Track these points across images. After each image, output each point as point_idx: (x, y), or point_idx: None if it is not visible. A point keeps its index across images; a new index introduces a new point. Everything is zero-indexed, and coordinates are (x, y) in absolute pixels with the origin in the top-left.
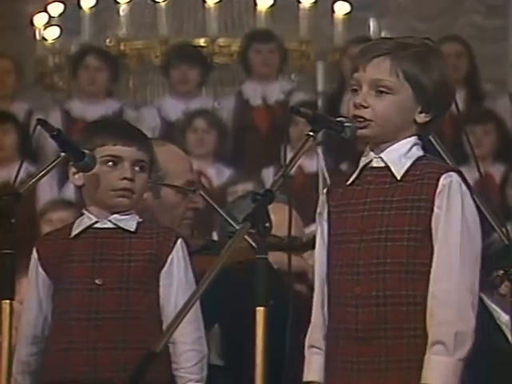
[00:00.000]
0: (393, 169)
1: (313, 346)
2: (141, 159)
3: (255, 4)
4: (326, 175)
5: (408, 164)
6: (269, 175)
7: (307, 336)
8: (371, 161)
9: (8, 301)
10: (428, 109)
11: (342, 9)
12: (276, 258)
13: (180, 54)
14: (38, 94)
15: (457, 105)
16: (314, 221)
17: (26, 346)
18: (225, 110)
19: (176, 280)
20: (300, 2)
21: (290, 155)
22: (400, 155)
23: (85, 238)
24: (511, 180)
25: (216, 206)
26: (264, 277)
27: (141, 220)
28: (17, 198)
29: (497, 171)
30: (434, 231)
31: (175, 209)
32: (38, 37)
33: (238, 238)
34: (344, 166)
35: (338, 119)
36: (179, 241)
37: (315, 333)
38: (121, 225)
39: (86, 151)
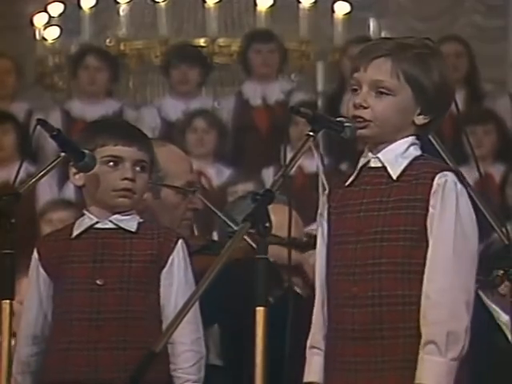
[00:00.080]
0: (389, 169)
1: (313, 347)
2: (141, 159)
3: (255, 4)
4: (324, 180)
5: (404, 164)
6: (269, 175)
7: (309, 337)
8: (369, 161)
9: (8, 301)
10: (427, 110)
11: (341, 9)
12: (272, 251)
13: (180, 54)
14: (38, 94)
15: (457, 105)
16: (314, 221)
17: (26, 347)
18: (225, 110)
19: (176, 280)
20: (300, 2)
21: (289, 155)
22: (397, 155)
23: (86, 238)
24: (511, 180)
25: (214, 209)
26: (264, 277)
27: (141, 220)
28: (17, 197)
29: (497, 171)
30: (429, 231)
31: (175, 209)
32: (37, 37)
33: (237, 238)
34: (344, 166)
35: (338, 119)
36: (180, 241)
37: (316, 334)
38: (122, 225)
39: (86, 151)
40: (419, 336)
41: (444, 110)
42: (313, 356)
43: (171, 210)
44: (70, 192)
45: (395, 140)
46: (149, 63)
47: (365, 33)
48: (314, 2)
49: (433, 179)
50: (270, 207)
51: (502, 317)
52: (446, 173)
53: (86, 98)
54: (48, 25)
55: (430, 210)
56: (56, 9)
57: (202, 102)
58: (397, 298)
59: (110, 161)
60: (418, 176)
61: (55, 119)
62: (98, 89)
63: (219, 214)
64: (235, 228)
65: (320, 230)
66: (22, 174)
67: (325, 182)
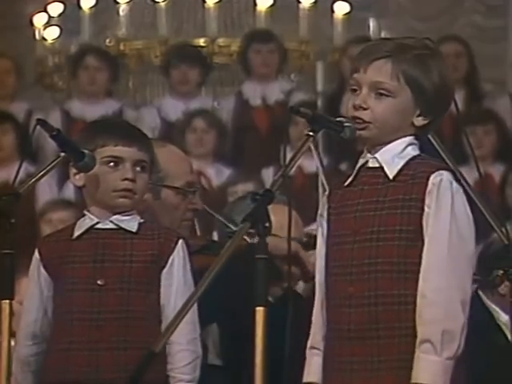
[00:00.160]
0: (386, 169)
1: (313, 348)
2: (142, 159)
3: (255, 4)
4: (324, 181)
5: (401, 164)
6: (268, 175)
7: (309, 337)
8: (367, 161)
9: (8, 301)
10: (427, 112)
11: (341, 9)
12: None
13: (180, 54)
14: (38, 94)
15: (456, 105)
16: (314, 221)
17: (26, 346)
18: (224, 110)
19: (176, 280)
20: (300, 2)
21: (289, 155)
22: (394, 155)
23: (86, 238)
24: (511, 180)
25: (212, 211)
26: (264, 277)
27: (142, 221)
28: (16, 197)
29: (496, 171)
30: (424, 230)
31: (175, 210)
32: (37, 37)
33: (237, 238)
34: (343, 166)
35: (338, 119)
36: (180, 241)
37: (316, 334)
38: (122, 225)
39: (86, 151)
40: (415, 335)
41: (443, 111)
42: (312, 356)
43: (171, 211)
44: (69, 192)
45: (394, 141)
46: (148, 63)
47: (364, 33)
48: (314, 2)
49: (428, 178)
50: (270, 207)
51: (502, 317)
52: (441, 172)
53: (85, 98)
54: (48, 25)
55: (426, 209)
56: (56, 9)
57: (202, 102)
58: (393, 298)
59: (111, 161)
60: (415, 176)
61: (55, 119)
62: (97, 89)
63: (217, 216)
64: (234, 228)
65: (320, 230)
66: (21, 174)
67: (325, 183)
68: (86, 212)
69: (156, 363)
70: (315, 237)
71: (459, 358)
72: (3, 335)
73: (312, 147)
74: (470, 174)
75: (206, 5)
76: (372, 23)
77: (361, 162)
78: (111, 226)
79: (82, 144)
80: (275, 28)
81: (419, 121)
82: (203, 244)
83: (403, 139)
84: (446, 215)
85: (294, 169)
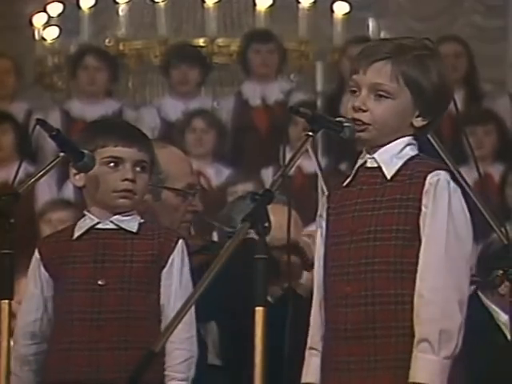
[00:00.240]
0: (384, 169)
1: (311, 348)
2: (142, 160)
3: (254, 4)
4: (323, 184)
5: (399, 164)
6: (268, 175)
7: (308, 338)
8: (366, 161)
9: (7, 301)
10: (426, 113)
11: (341, 9)
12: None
13: (180, 54)
14: (38, 94)
15: (456, 105)
16: (313, 221)
17: (25, 346)
18: (224, 110)
19: (176, 280)
20: (299, 2)
21: (289, 155)
22: (392, 155)
23: (87, 239)
24: (510, 180)
25: (210, 220)
26: (263, 277)
27: (142, 221)
28: (16, 197)
29: (496, 171)
30: (421, 230)
31: (175, 211)
32: (37, 37)
33: (237, 239)
34: (343, 167)
35: (337, 119)
36: (180, 241)
37: (314, 335)
38: (123, 226)
39: (85, 151)
40: (412, 335)
41: (442, 111)
42: (311, 357)
43: (171, 212)
44: (69, 192)
45: (393, 141)
46: (148, 63)
47: (364, 33)
48: (314, 2)
49: (425, 178)
50: (270, 207)
51: (502, 316)
52: (438, 172)
53: (85, 98)
54: (47, 25)
55: (423, 209)
56: (55, 9)
57: (202, 102)
58: (389, 297)
59: (111, 162)
60: (412, 175)
61: (55, 119)
62: (97, 89)
63: (214, 222)
64: (230, 230)
65: (319, 231)
66: (21, 174)
67: (324, 187)
68: (86, 212)
69: (154, 363)
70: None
71: (457, 357)
72: (2, 335)
73: (310, 151)
74: (470, 174)
75: (205, 5)
76: (371, 23)
77: (359, 162)
78: (111, 226)
79: (82, 144)
80: (275, 28)
81: (418, 121)
82: (203, 244)
83: (402, 139)
84: (443, 215)
85: (293, 169)
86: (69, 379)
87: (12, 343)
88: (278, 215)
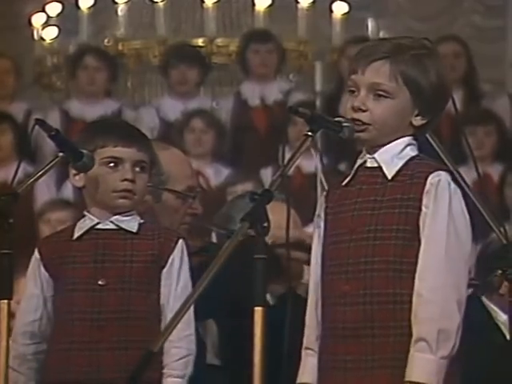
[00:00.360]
0: (384, 169)
1: (307, 348)
2: (141, 160)
3: (253, 4)
4: (323, 179)
5: (400, 164)
6: (267, 175)
7: (304, 338)
8: (366, 161)
9: (6, 301)
10: (425, 111)
11: (340, 9)
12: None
13: (179, 54)
14: (37, 94)
15: (455, 105)
16: (312, 221)
17: (24, 346)
18: (223, 110)
19: (175, 280)
20: (298, 2)
21: (288, 155)
22: (392, 155)
23: (87, 239)
24: (509, 180)
25: (208, 225)
26: (262, 277)
27: (142, 221)
28: (15, 198)
29: (495, 171)
30: (421, 230)
31: (175, 213)
32: (36, 37)
33: (236, 238)
34: (342, 166)
35: (337, 119)
36: (180, 241)
37: (310, 335)
38: (123, 226)
39: (84, 151)
40: (410, 335)
41: (441, 110)
42: (307, 357)
43: (171, 214)
44: (68, 192)
45: (393, 141)
46: (147, 63)
47: (363, 33)
48: (313, 2)
49: (426, 179)
50: (268, 205)
51: (500, 316)
52: (439, 172)
53: (84, 98)
54: (46, 25)
55: (423, 209)
56: (54, 9)
57: (201, 102)
58: (388, 297)
59: (110, 162)
60: (413, 176)
61: (54, 119)
62: (97, 89)
63: (211, 227)
64: (226, 232)
65: (317, 231)
66: (20, 174)
67: (324, 182)
68: (85, 213)
69: (153, 361)
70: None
71: (453, 357)
72: (1, 335)
73: (312, 146)
74: (469, 174)
75: (204, 5)
76: (371, 23)
77: (359, 161)
78: (111, 226)
79: (81, 144)
80: (274, 28)
81: (418, 120)
82: (201, 246)
83: (402, 139)
84: (444, 216)
85: (292, 169)
86: (69, 379)
87: (11, 342)
88: (276, 213)
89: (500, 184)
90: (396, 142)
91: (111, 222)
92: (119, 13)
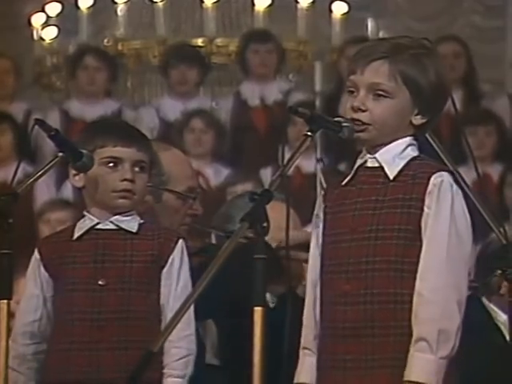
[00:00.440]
0: (386, 169)
1: (305, 348)
2: (141, 160)
3: (253, 4)
4: (322, 180)
5: (402, 164)
6: (267, 175)
7: (301, 338)
8: (366, 161)
9: (6, 301)
10: (425, 110)
11: (339, 9)
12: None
13: (178, 54)
14: (37, 94)
15: (454, 105)
16: (311, 221)
17: (24, 346)
18: (223, 110)
19: (175, 280)
20: (298, 2)
21: (287, 155)
22: (394, 156)
23: (87, 239)
24: (509, 180)
25: (206, 228)
26: (262, 277)
27: (142, 221)
28: (14, 198)
29: (495, 171)
30: (423, 231)
31: (175, 214)
32: (35, 37)
33: (235, 238)
34: (342, 167)
35: (336, 119)
36: (180, 241)
37: (308, 335)
38: (123, 226)
39: (84, 151)
40: (410, 335)
41: (441, 109)
42: (304, 357)
43: (171, 214)
44: (67, 192)
45: (393, 141)
46: (147, 63)
47: (363, 33)
48: (312, 2)
49: (429, 179)
50: (268, 205)
51: (500, 316)
52: (442, 173)
53: (84, 98)
54: (46, 25)
55: (425, 209)
56: (54, 9)
57: (201, 102)
58: (389, 297)
59: (110, 162)
60: (415, 176)
61: (54, 119)
62: (97, 89)
63: (209, 230)
64: (224, 234)
65: (315, 231)
66: (19, 174)
67: (323, 182)
68: (85, 213)
69: (153, 362)
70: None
71: (453, 358)
72: (1, 335)
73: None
74: (469, 174)
75: (204, 5)
76: (370, 23)
77: (359, 161)
78: (111, 226)
79: (81, 145)
80: (273, 28)
81: (417, 120)
82: (201, 246)
83: (403, 139)
84: (446, 217)
85: (292, 169)
86: (69, 379)
87: (10, 342)
88: (275, 212)
89: (500, 184)
90: (397, 142)
91: (111, 222)
92: (119, 13)
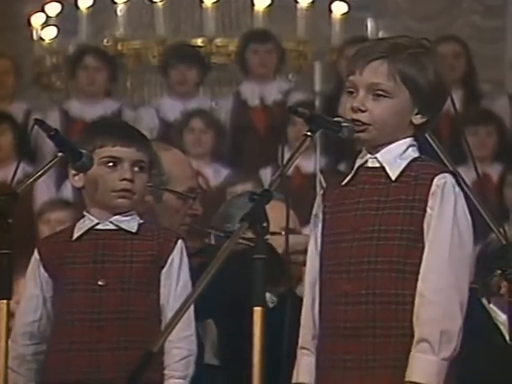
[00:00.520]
0: (388, 169)
1: (303, 348)
2: (140, 160)
3: (253, 4)
4: (322, 180)
5: (403, 165)
6: (266, 175)
7: (299, 338)
8: (366, 161)
9: (5, 301)
10: (424, 110)
11: (339, 9)
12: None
13: (178, 54)
14: (36, 94)
15: (454, 105)
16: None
17: (23, 346)
18: (223, 110)
19: (175, 280)
20: (297, 2)
21: (287, 155)
22: (395, 156)
23: (86, 239)
24: (509, 180)
25: (205, 229)
26: (262, 277)
27: (142, 221)
28: (14, 198)
29: (495, 171)
30: (425, 231)
31: (175, 214)
32: (35, 37)
33: (235, 238)
34: (342, 167)
35: (336, 119)
36: (179, 241)
37: (306, 335)
38: (122, 226)
39: (84, 151)
40: (411, 335)
41: (440, 108)
42: (302, 357)
43: (172, 214)
44: (67, 192)
45: (394, 141)
46: (146, 63)
47: (362, 33)
48: (312, 2)
49: (432, 180)
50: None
51: (500, 316)
52: (445, 174)
53: (84, 98)
54: (45, 25)
55: (428, 210)
56: (53, 9)
57: (200, 102)
58: (390, 297)
59: (109, 161)
60: (418, 177)
61: (54, 119)
62: (97, 89)
63: (208, 230)
64: (222, 234)
65: (314, 230)
66: (19, 174)
67: (323, 182)
68: (85, 213)
69: (153, 362)
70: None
71: (453, 359)
72: (1, 335)
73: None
74: (468, 174)
75: (203, 5)
76: (370, 23)
77: (359, 161)
78: (111, 226)
79: (80, 145)
80: (273, 28)
81: (418, 119)
82: (200, 247)
83: (404, 140)
84: (449, 218)
85: (291, 169)
86: (69, 380)
87: (10, 343)
88: (275, 210)
89: (499, 184)
90: (398, 142)
91: (111, 222)
92: (118, 13)
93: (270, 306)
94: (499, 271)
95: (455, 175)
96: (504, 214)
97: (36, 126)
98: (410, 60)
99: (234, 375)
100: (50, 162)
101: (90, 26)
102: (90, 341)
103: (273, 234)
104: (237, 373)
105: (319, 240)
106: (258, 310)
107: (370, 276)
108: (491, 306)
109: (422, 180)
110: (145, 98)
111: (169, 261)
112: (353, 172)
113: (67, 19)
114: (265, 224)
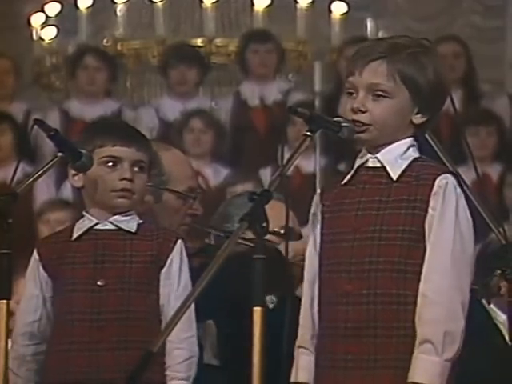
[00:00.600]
0: (389, 169)
1: (301, 347)
2: (140, 159)
3: (252, 4)
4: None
5: (404, 165)
6: (266, 175)
7: (298, 337)
8: (367, 161)
9: (5, 301)
10: (424, 109)
11: (339, 9)
12: (296, 246)
13: (178, 54)
14: (36, 94)
15: (454, 105)
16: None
17: (23, 346)
18: (222, 110)
19: (174, 280)
20: (297, 2)
21: (287, 155)
22: (396, 156)
23: (86, 239)
24: (508, 180)
25: (205, 228)
26: (261, 277)
27: (141, 221)
28: (14, 198)
29: (494, 171)
30: (427, 232)
31: (175, 214)
32: (35, 37)
33: (234, 238)
34: (342, 167)
35: (336, 119)
36: (179, 241)
37: (304, 334)
38: (122, 226)
39: (83, 151)
40: (413, 336)
41: (440, 108)
42: (300, 356)
43: (172, 214)
44: (67, 192)
45: (394, 141)
46: (146, 63)
47: (362, 33)
48: (312, 2)
49: (433, 181)
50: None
51: (500, 316)
52: (446, 175)
53: (84, 98)
54: (45, 25)
55: (430, 211)
56: (53, 9)
57: (200, 102)
58: (391, 297)
59: (109, 161)
60: (419, 177)
61: (53, 119)
62: (97, 89)
63: (211, 231)
64: (222, 234)
65: (312, 230)
66: (19, 174)
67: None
68: (84, 213)
69: (153, 363)
70: None
71: (456, 360)
72: (0, 335)
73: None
74: (468, 174)
75: (203, 5)
76: (370, 23)
77: (359, 161)
78: (110, 226)
79: (80, 145)
80: (273, 28)
81: (418, 119)
82: (200, 247)
83: (405, 140)
84: (451, 219)
85: (291, 169)
86: (69, 380)
87: (10, 343)
88: (274, 210)
89: (499, 184)
90: (399, 142)
91: (110, 222)
92: (118, 13)
93: (270, 306)
94: (499, 271)
95: (456, 176)
96: (504, 214)
97: (36, 126)
98: (409, 60)
99: (234, 375)
100: (50, 162)
101: (89, 26)
102: (90, 341)
103: (272, 233)
104: (237, 373)
105: (318, 239)
106: (257, 310)
107: (371, 276)
108: (491, 306)
109: (424, 180)
110: (145, 98)
111: (168, 261)
112: (352, 171)
113: (67, 19)
114: (264, 224)
